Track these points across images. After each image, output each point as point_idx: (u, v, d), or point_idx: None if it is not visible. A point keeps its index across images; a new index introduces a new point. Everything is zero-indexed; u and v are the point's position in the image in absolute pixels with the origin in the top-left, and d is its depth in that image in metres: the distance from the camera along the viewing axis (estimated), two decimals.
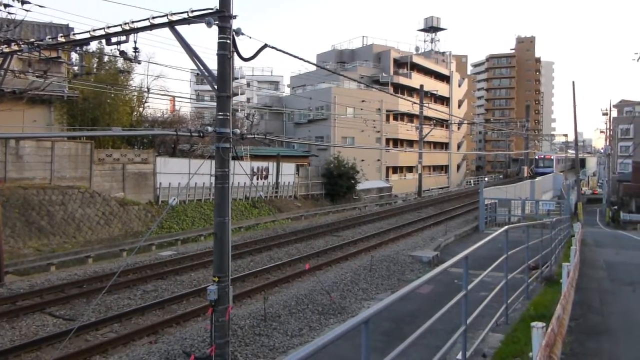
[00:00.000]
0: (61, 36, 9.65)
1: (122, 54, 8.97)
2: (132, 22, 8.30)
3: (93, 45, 22.41)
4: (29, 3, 10.48)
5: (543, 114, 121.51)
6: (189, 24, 7.79)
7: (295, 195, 36.02)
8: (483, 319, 6.67)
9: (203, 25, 7.34)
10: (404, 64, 58.00)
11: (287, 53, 8.98)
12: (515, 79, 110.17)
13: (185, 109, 69.84)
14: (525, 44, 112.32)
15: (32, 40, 10.46)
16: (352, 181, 39.33)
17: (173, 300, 11.92)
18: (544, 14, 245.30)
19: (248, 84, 63.59)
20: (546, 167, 56.52)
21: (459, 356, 5.51)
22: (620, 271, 13.47)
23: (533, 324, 4.52)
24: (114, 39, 8.72)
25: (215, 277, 7.87)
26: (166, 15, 7.94)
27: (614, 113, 64.43)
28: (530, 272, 10.21)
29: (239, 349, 8.75)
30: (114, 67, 29.74)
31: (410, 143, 55.01)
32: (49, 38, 9.75)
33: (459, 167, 69.78)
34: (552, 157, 61.34)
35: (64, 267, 16.23)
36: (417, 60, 59.71)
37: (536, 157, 62.04)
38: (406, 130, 53.11)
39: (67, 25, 23.28)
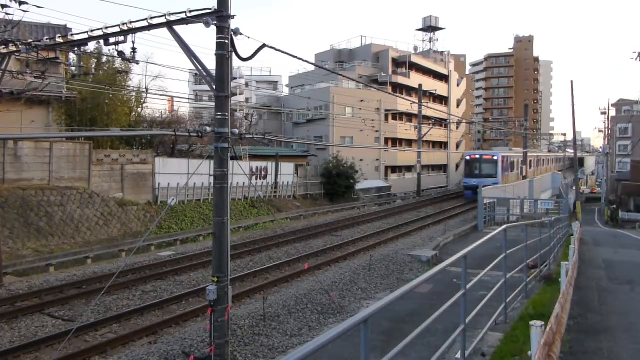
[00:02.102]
0: (59, 36, 9.64)
1: (120, 54, 8.96)
2: (130, 22, 8.29)
3: (91, 46, 22.26)
4: (27, 3, 10.45)
5: (541, 113, 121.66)
6: (187, 24, 7.79)
7: (294, 195, 36.01)
8: (482, 317, 6.67)
9: (201, 25, 7.34)
10: (402, 63, 58.00)
11: (285, 53, 8.97)
12: (514, 78, 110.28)
13: (184, 109, 69.82)
14: (524, 43, 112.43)
15: (29, 40, 10.44)
16: (351, 181, 39.34)
17: (172, 301, 11.92)
18: (542, 13, 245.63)
19: (246, 84, 63.56)
20: (483, 177, 34.71)
21: (458, 355, 5.52)
22: (619, 270, 13.49)
23: (532, 322, 4.53)
24: (112, 39, 8.71)
25: (214, 277, 7.87)
26: (164, 15, 7.93)
27: (612, 112, 64.53)
28: (529, 271, 10.23)
29: (238, 348, 8.75)
30: (112, 67, 29.72)
31: (409, 142, 55.06)
32: (47, 38, 9.73)
33: (457, 166, 69.85)
34: (494, 157, 36.42)
35: (63, 267, 16.22)
36: (415, 59, 59.71)
37: (467, 157, 38.40)
38: (405, 130, 53.14)
39: (65, 25, 23.24)
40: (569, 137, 62.07)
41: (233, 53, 7.81)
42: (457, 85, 69.86)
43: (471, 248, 5.54)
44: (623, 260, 15.67)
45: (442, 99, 64.53)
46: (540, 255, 11.46)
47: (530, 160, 44.02)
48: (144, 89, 32.51)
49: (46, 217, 20.54)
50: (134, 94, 32.87)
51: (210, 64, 7.91)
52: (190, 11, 7.65)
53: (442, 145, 63.43)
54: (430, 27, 75.71)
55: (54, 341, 9.25)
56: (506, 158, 38.10)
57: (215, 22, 7.48)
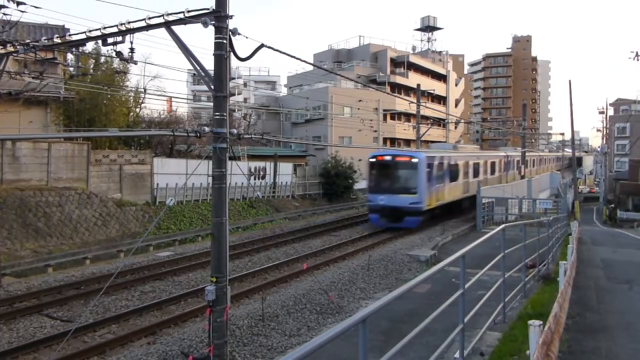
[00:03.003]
0: (57, 37, 9.64)
1: (119, 54, 8.96)
2: (128, 22, 8.29)
3: (89, 46, 22.37)
4: (25, 4, 10.46)
5: (540, 113, 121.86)
6: (185, 24, 7.79)
7: (293, 195, 36.01)
8: (480, 317, 6.68)
9: (199, 25, 7.34)
10: (400, 63, 58.05)
11: (284, 53, 8.97)
12: (512, 78, 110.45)
13: (182, 109, 69.73)
14: (522, 43, 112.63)
15: (27, 41, 10.44)
16: (350, 181, 39.35)
17: (171, 301, 11.92)
18: (541, 13, 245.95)
19: (245, 84, 63.51)
20: (394, 192, 21.57)
21: (457, 355, 5.52)
22: (617, 269, 13.52)
23: (530, 322, 4.54)
24: (110, 40, 8.71)
25: (213, 277, 7.87)
26: (162, 15, 7.93)
27: (611, 111, 64.66)
28: (528, 271, 10.24)
29: (237, 349, 8.75)
30: (110, 67, 29.70)
31: (408, 142, 55.05)
32: (45, 39, 9.73)
33: None
34: (413, 160, 21.73)
35: (62, 268, 16.20)
36: (414, 59, 59.78)
37: (372, 158, 23.10)
38: (403, 130, 53.19)
39: (63, 26, 23.23)
40: (568, 136, 61.77)
41: (231, 53, 7.81)
42: (456, 85, 69.95)
43: (470, 248, 5.54)
44: (621, 259, 15.70)
45: (441, 99, 64.59)
46: (538, 255, 11.47)
47: (494, 162, 32.47)
48: (143, 90, 32.50)
49: (45, 217, 20.50)
50: (132, 94, 32.85)
51: (209, 64, 7.92)
52: (189, 11, 7.65)
53: None
54: (428, 27, 75.76)
55: (53, 342, 9.23)
56: (438, 161, 22.98)
57: (213, 22, 7.47)
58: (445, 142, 52.14)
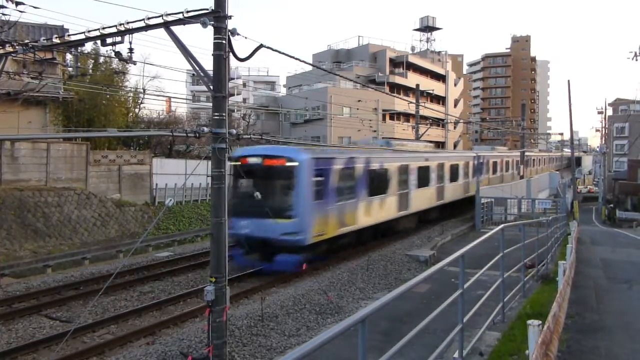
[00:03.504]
0: (56, 37, 9.63)
1: (118, 54, 8.95)
2: (127, 22, 8.29)
3: (88, 46, 22.39)
4: (23, 4, 10.45)
5: (539, 113, 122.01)
6: (184, 24, 7.79)
7: None
8: (480, 317, 6.69)
9: (198, 25, 7.34)
10: (399, 63, 58.08)
11: (283, 53, 8.98)
12: (511, 78, 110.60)
13: (182, 109, 69.71)
14: (521, 43, 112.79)
15: (26, 41, 10.42)
16: None
17: (170, 301, 11.91)
18: (540, 13, 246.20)
19: (244, 84, 63.51)
20: (258, 215, 12.75)
21: (456, 355, 5.52)
22: (617, 269, 13.54)
23: (529, 321, 4.55)
24: (109, 40, 8.70)
25: (212, 277, 7.86)
26: (161, 15, 7.93)
27: (610, 111, 64.76)
28: (527, 271, 10.24)
29: (237, 349, 8.74)
30: (109, 68, 29.72)
31: None
32: (44, 39, 9.72)
33: None
34: (290, 163, 13.50)
35: (60, 268, 16.19)
36: (413, 59, 59.81)
37: (234, 162, 13.82)
38: (402, 130, 53.19)
39: (62, 26, 23.23)
40: (567, 136, 61.77)
41: (230, 53, 7.81)
42: (455, 85, 70.00)
43: (469, 248, 5.55)
44: (620, 259, 15.72)
45: (440, 99, 64.63)
46: (537, 255, 11.47)
47: (456, 166, 25.48)
48: (142, 90, 32.51)
49: (44, 218, 20.49)
50: (131, 94, 32.85)
51: (208, 64, 7.92)
52: (188, 12, 7.65)
53: (440, 145, 63.50)
54: (427, 28, 75.82)
55: (52, 343, 9.23)
56: (342, 165, 15.50)
57: (212, 22, 7.47)
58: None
